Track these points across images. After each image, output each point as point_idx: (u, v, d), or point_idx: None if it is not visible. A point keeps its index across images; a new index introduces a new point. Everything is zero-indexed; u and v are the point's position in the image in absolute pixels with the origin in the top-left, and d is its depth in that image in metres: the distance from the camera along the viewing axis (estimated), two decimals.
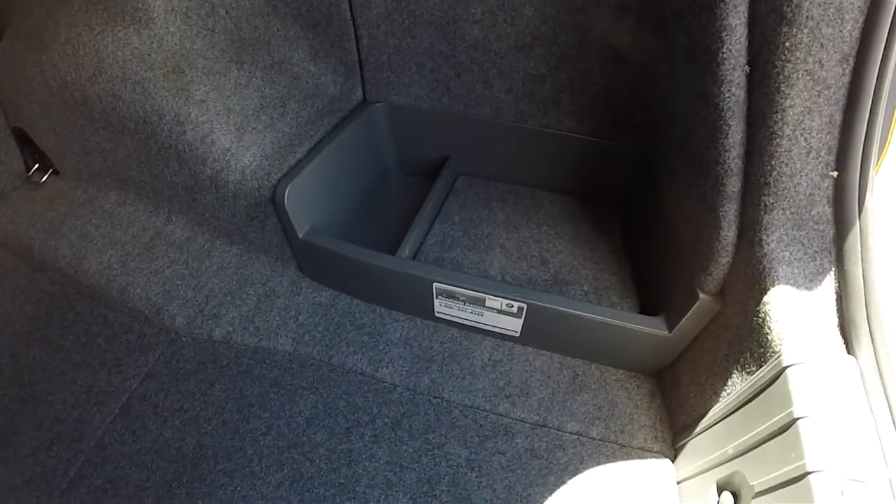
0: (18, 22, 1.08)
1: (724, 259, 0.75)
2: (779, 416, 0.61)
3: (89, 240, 1.13)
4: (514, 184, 1.26)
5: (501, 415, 0.91)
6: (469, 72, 1.08)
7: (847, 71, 0.61)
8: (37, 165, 1.27)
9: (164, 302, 1.05)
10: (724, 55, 0.65)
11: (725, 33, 0.64)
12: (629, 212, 1.16)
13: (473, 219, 1.16)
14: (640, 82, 0.98)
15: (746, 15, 0.63)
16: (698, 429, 0.80)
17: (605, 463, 0.86)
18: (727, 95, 0.67)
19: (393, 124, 1.23)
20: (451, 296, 0.96)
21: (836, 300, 0.67)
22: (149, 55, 0.93)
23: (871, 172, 0.65)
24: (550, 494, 0.82)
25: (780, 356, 0.64)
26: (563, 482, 0.83)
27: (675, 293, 0.86)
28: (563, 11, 0.94)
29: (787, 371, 0.62)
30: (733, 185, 0.71)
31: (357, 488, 0.82)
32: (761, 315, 0.68)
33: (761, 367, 0.68)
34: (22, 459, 0.86)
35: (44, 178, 1.26)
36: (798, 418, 0.58)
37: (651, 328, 0.87)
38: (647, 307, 0.97)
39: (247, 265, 1.13)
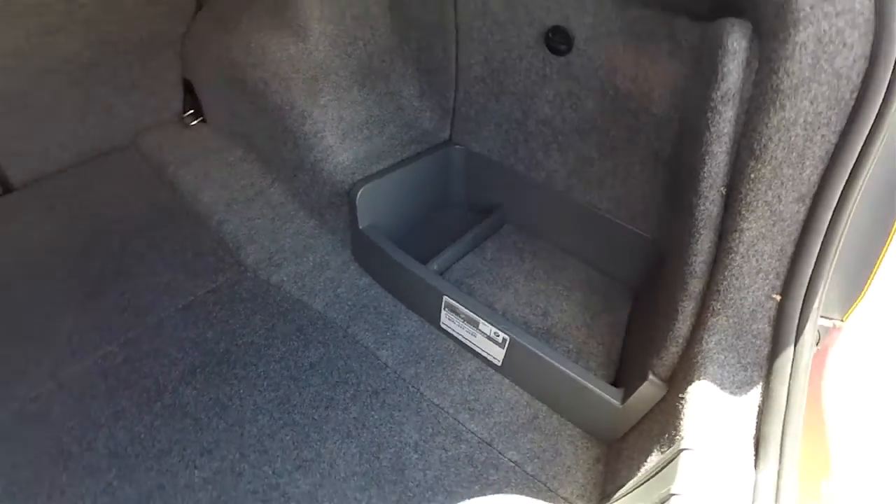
0: (214, 4, 1.48)
1: (675, 349, 0.86)
2: (660, 493, 0.70)
3: (210, 179, 1.48)
4: (549, 243, 1.42)
5: (458, 421, 1.05)
6: (534, 140, 1.27)
7: (802, 209, 0.72)
8: (192, 111, 1.68)
9: (245, 242, 1.34)
10: (705, 175, 0.78)
11: (708, 157, 0.78)
12: (639, 296, 1.26)
13: (502, 260, 1.33)
14: (673, 184, 1.11)
15: (728, 145, 0.77)
16: (613, 499, 0.89)
17: (527, 495, 0.97)
18: (702, 209, 0.80)
19: (465, 166, 1.45)
20: (454, 311, 1.13)
21: (758, 413, 0.75)
22: (298, 62, 1.25)
23: (816, 304, 0.73)
24: (468, 498, 0.94)
25: (682, 439, 0.73)
26: (484, 494, 0.95)
27: (633, 372, 0.97)
28: (618, 111, 1.11)
29: (682, 453, 0.71)
30: (695, 285, 0.82)
31: (324, 427, 1.01)
32: (683, 403, 0.78)
33: (670, 447, 0.77)
34: (98, 311, 1.16)
35: (193, 123, 1.67)
36: (673, 494, 0.67)
37: (607, 395, 0.98)
38: (616, 381, 1.07)
39: (315, 237, 1.39)
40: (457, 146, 1.43)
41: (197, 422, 1.01)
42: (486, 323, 1.08)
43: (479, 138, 1.39)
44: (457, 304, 1.11)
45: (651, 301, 1.11)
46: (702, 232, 0.80)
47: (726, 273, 0.77)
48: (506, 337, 1.06)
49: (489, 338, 1.10)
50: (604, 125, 1.15)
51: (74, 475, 0.92)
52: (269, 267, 1.30)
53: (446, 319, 1.17)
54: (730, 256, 0.77)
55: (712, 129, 0.77)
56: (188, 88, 1.64)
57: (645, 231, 1.21)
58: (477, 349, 1.15)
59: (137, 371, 1.09)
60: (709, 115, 0.77)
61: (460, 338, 1.17)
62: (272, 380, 1.08)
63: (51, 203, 1.42)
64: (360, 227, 1.25)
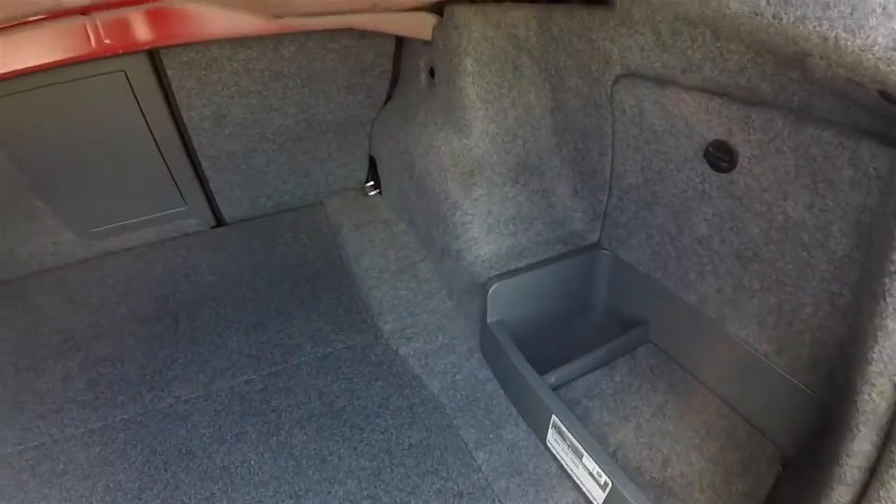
0: (400, 95, 1.70)
1: None
2: None
3: (373, 245, 1.68)
4: (690, 376, 1.23)
5: None
6: (687, 258, 1.14)
7: None
8: (371, 183, 1.95)
9: (387, 310, 1.47)
10: (874, 356, 0.61)
11: (880, 333, 0.61)
12: (790, 464, 1.00)
13: (632, 386, 1.20)
14: (849, 343, 0.88)
15: None
16: None
17: None
18: (866, 398, 0.61)
19: (611, 273, 1.37)
20: (561, 433, 1.05)
21: None
22: (458, 156, 1.36)
23: None
24: None
25: None
26: None
27: None
28: (787, 241, 0.93)
29: None
30: (840, 494, 0.63)
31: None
32: None
33: None
34: (257, 341, 1.42)
35: (372, 193, 1.93)
36: None
37: None
38: None
39: (449, 319, 1.45)
40: (604, 251, 1.36)
41: (298, 466, 1.12)
42: (589, 458, 0.98)
43: (629, 246, 1.30)
44: (563, 428, 1.03)
45: (804, 475, 0.87)
46: (861, 429, 0.62)
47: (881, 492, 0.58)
48: (608, 481, 0.94)
49: (591, 474, 0.99)
50: (769, 255, 0.98)
51: (191, 475, 1.10)
52: (400, 338, 1.40)
53: (552, 439, 1.09)
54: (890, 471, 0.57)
55: None
56: (372, 164, 1.92)
57: (809, 387, 0.98)
58: (578, 481, 1.04)
59: (268, 404, 1.26)
60: None
61: (563, 463, 1.08)
62: (372, 449, 1.14)
63: (250, 240, 1.80)
64: (488, 320, 1.27)
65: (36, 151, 1.45)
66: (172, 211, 1.74)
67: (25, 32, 1.04)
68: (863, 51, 0.66)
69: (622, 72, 1.13)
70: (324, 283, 1.60)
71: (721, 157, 1.00)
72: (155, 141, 1.52)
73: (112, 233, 1.72)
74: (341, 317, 1.48)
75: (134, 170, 1.58)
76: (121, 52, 1.14)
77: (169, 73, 1.42)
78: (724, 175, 1.02)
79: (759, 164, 0.95)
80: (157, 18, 1.13)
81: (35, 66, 1.08)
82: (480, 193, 1.34)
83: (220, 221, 1.88)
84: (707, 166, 1.03)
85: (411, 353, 1.36)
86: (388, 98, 1.78)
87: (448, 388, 1.27)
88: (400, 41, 1.63)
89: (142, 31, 1.13)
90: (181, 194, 1.70)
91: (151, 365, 1.40)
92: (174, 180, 1.65)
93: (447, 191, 1.37)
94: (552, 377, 1.16)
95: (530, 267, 1.29)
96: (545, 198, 1.40)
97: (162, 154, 1.56)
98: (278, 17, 1.18)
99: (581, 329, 1.43)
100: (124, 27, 1.11)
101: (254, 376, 1.34)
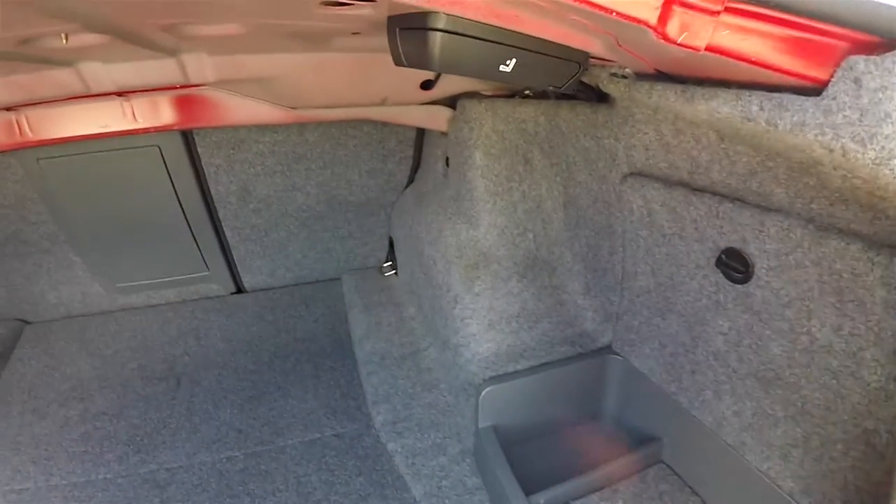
0: (419, 181, 1.74)
1: None
2: None
3: (379, 329, 1.64)
4: None
5: None
6: (703, 374, 1.02)
7: None
8: (389, 262, 1.96)
9: (382, 399, 1.40)
10: None
11: None
12: None
13: None
14: (886, 492, 0.72)
15: None
16: None
17: None
18: None
19: (623, 381, 1.25)
20: None
21: None
22: (464, 247, 1.34)
23: None
24: None
25: None
26: None
27: None
28: (814, 366, 0.81)
29: None
30: None
31: None
32: None
33: None
34: (247, 416, 1.41)
35: (388, 273, 1.94)
36: None
37: None
38: None
39: (445, 416, 1.35)
40: (616, 356, 1.25)
41: None
42: None
43: (642, 353, 1.19)
44: None
45: None
46: None
47: None
48: None
49: None
50: (793, 379, 0.86)
51: None
52: (391, 432, 1.31)
53: None
54: None
55: None
56: (391, 244, 1.94)
57: None
58: None
59: (244, 486, 1.20)
60: None
61: None
62: None
63: (265, 311, 1.82)
64: (480, 425, 1.17)
65: (75, 210, 1.58)
66: (195, 275, 1.81)
67: (68, 107, 1.15)
68: (878, 164, 0.59)
69: (629, 170, 1.10)
70: (327, 363, 1.57)
71: (735, 266, 0.92)
72: (183, 210, 1.62)
73: (136, 289, 1.80)
74: (337, 401, 1.43)
75: (162, 234, 1.68)
76: (152, 130, 1.24)
77: (199, 150, 1.53)
78: (739, 286, 0.93)
79: (778, 278, 0.86)
80: (185, 104, 1.22)
81: (75, 137, 1.19)
82: (483, 287, 1.30)
83: (240, 288, 1.93)
84: (721, 276, 0.95)
85: (399, 448, 1.26)
86: (409, 182, 1.83)
87: (432, 494, 1.16)
88: (422, 129, 1.70)
89: (171, 114, 1.23)
90: (204, 260, 1.78)
91: (144, 426, 1.40)
92: (198, 247, 1.72)
93: (449, 282, 1.34)
94: (541, 499, 1.03)
95: (532, 370, 1.20)
96: (554, 294, 1.33)
97: (188, 222, 1.66)
98: (293, 108, 1.26)
99: (586, 440, 1.29)
100: (155, 109, 1.21)
101: (237, 453, 1.29)
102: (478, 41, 0.71)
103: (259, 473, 1.23)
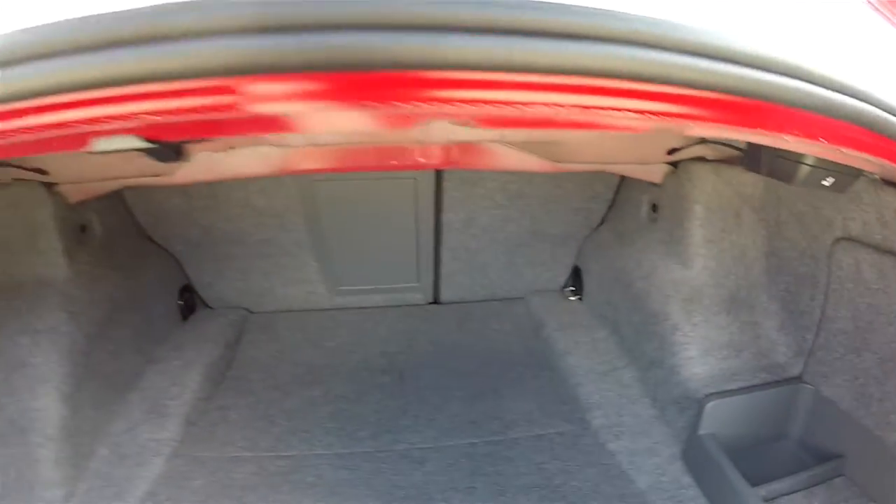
0: (616, 221, 2.01)
1: None
2: None
3: (577, 346, 1.91)
4: None
5: None
6: (891, 401, 1.23)
7: None
8: (573, 288, 2.22)
9: (594, 406, 1.65)
10: None
11: None
12: None
13: None
14: None
15: None
16: None
17: None
18: None
19: (810, 407, 1.48)
20: None
21: None
22: (680, 284, 1.61)
23: None
24: None
25: None
26: None
27: None
28: None
29: None
30: None
31: None
32: None
33: None
34: (476, 410, 1.65)
35: (571, 298, 2.19)
36: None
37: None
38: None
39: (652, 426, 1.60)
40: (806, 385, 1.50)
41: None
42: None
43: (832, 384, 1.43)
44: None
45: None
46: None
47: None
48: None
49: None
50: None
51: None
52: (608, 434, 1.57)
53: None
54: None
55: None
56: (576, 272, 2.21)
57: None
58: None
59: (493, 467, 1.45)
60: None
61: None
62: None
63: (463, 321, 2.11)
64: (700, 432, 1.43)
65: (329, 224, 1.88)
66: (405, 285, 2.11)
67: (368, 146, 1.38)
68: None
69: (842, 235, 1.33)
70: (529, 372, 1.84)
71: None
72: (417, 233, 1.91)
73: (354, 293, 2.10)
74: (549, 405, 1.69)
75: (391, 249, 1.98)
76: (430, 167, 1.51)
77: (445, 184, 1.82)
78: None
79: None
80: (466, 150, 1.44)
81: (364, 167, 1.44)
82: (699, 319, 1.56)
83: (436, 299, 2.22)
84: None
85: (619, 449, 1.53)
86: (602, 221, 2.10)
87: (655, 486, 1.42)
88: (626, 177, 1.95)
89: (452, 157, 1.43)
90: (418, 274, 2.07)
91: (384, 411, 1.65)
92: (417, 263, 2.02)
93: (667, 312, 1.60)
94: (762, 490, 1.28)
95: (741, 390, 1.46)
96: (752, 329, 1.59)
97: (418, 243, 1.95)
98: (558, 161, 1.53)
99: (774, 456, 1.54)
100: (441, 152, 1.43)
101: (476, 441, 1.55)
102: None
103: (502, 458, 1.50)
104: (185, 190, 1.80)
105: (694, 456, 1.47)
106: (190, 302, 2.08)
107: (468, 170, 1.76)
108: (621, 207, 2.01)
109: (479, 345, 1.96)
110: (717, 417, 1.43)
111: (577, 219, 2.05)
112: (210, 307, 2.15)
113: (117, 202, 1.85)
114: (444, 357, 1.89)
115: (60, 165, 1.45)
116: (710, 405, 1.40)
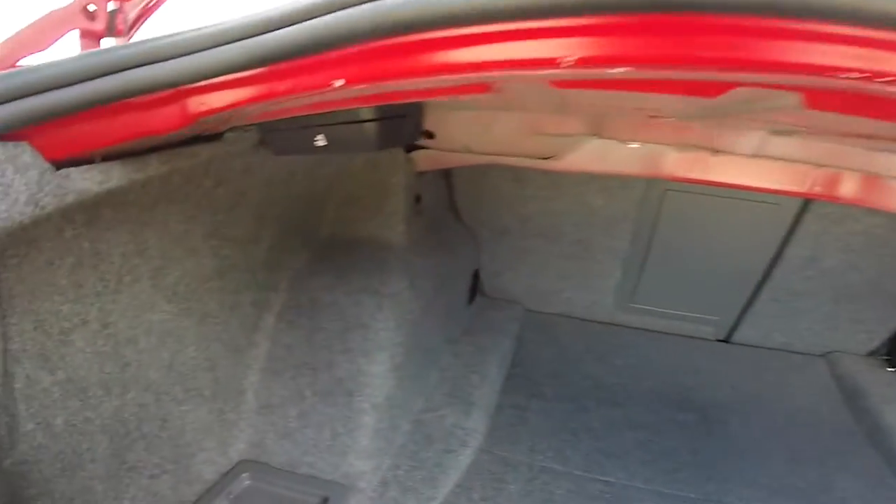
0: None
1: None
2: None
3: None
4: None
5: None
6: None
7: None
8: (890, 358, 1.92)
9: None
10: None
11: None
12: None
13: None
14: None
15: None
16: None
17: None
18: None
19: None
20: None
21: None
22: None
23: None
24: None
25: None
26: None
27: None
28: None
29: None
30: None
31: None
32: None
33: None
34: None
35: (889, 369, 1.89)
36: None
37: None
38: None
39: None
40: None
41: None
42: None
43: None
44: None
45: None
46: None
47: None
48: None
49: None
50: None
51: None
52: None
53: None
54: None
55: None
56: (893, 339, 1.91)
57: None
58: None
59: None
60: None
61: None
62: None
63: (758, 370, 1.89)
64: None
65: (661, 233, 1.76)
66: (699, 315, 1.96)
67: (748, 159, 1.22)
68: None
69: None
70: (850, 444, 1.62)
71: None
72: (749, 264, 1.74)
73: (643, 313, 1.99)
74: (882, 489, 1.48)
75: (712, 274, 1.83)
76: (822, 198, 1.29)
77: (806, 216, 1.62)
78: None
79: None
80: (868, 184, 1.22)
81: (748, 187, 1.27)
82: None
83: (727, 337, 2.05)
84: None
85: None
86: None
87: None
88: None
89: (849, 190, 1.23)
90: (721, 306, 1.90)
91: (700, 453, 1.53)
92: (727, 295, 1.85)
93: None
94: None
95: None
96: None
97: (739, 274, 1.79)
98: None
99: None
100: (837, 183, 1.22)
101: None
102: None
103: None
104: (521, 177, 1.76)
105: None
106: (474, 287, 2.08)
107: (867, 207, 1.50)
108: None
109: (782, 400, 1.78)
110: None
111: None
112: (485, 295, 2.14)
113: (441, 180, 1.86)
114: (746, 406, 1.75)
115: (455, 131, 1.43)
116: None
